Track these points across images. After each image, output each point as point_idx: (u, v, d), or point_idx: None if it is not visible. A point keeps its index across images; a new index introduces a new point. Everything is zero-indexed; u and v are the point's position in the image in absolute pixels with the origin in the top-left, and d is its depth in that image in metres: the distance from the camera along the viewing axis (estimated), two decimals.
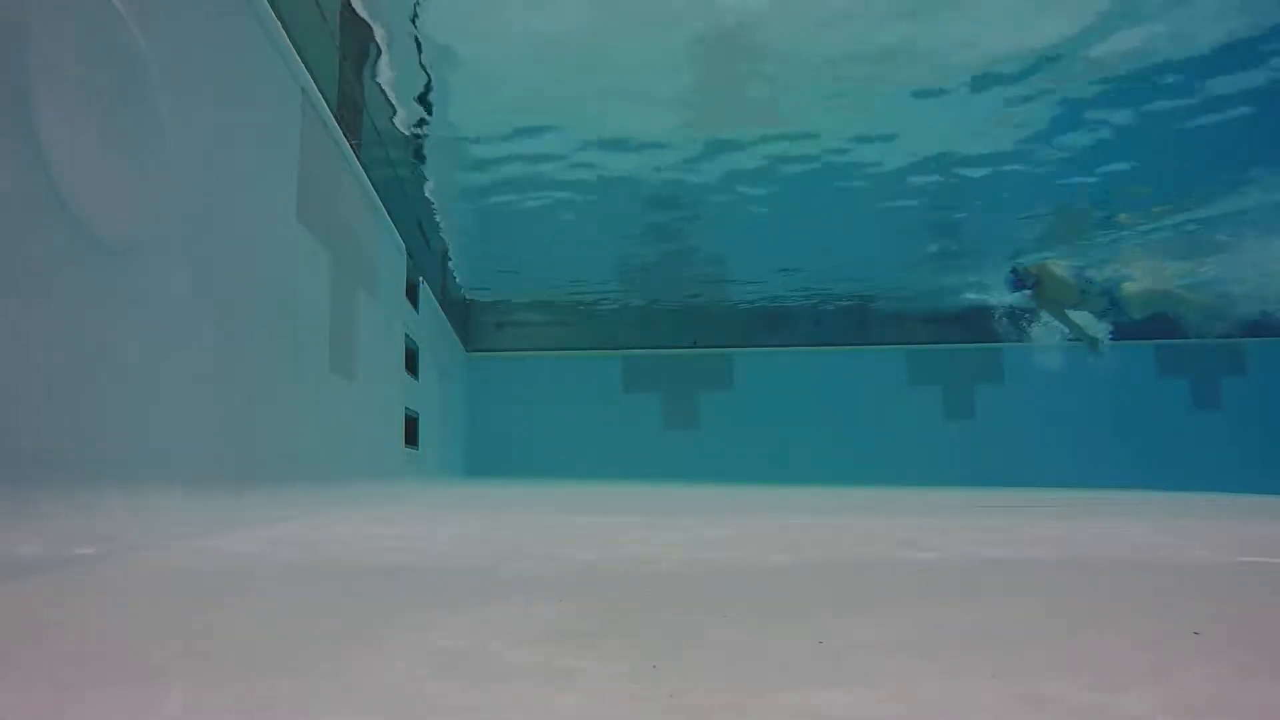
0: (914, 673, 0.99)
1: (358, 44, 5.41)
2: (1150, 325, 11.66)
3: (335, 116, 4.67)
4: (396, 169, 7.02)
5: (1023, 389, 12.02)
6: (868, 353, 12.07)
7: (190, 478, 2.78)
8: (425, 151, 7.30)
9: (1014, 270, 9.74)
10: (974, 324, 11.74)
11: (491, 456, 11.47)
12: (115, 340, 2.40)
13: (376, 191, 5.75)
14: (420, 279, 7.81)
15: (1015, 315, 10.64)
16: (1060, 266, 9.80)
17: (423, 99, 6.38)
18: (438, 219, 8.77)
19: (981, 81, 6.28)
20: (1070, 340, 10.62)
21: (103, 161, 2.33)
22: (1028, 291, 9.74)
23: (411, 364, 7.23)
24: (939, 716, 0.84)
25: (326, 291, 4.46)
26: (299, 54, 3.96)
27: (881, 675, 0.97)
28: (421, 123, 6.73)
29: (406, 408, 6.92)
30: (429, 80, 6.12)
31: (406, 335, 6.96)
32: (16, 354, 1.98)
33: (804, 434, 11.83)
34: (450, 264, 10.23)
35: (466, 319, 11.98)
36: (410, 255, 7.14)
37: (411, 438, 7.15)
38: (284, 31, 3.76)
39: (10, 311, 1.96)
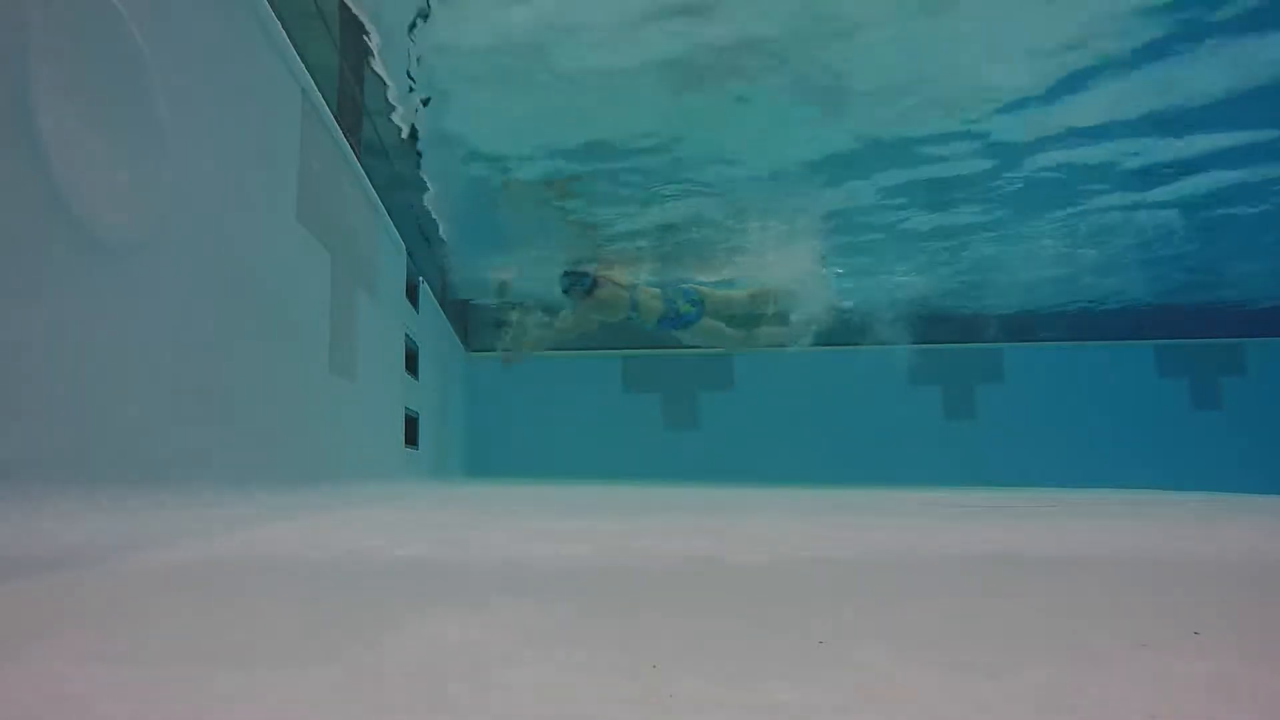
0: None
1: (358, 44, 5.41)
2: (1150, 325, 11.66)
3: (335, 116, 4.67)
4: (396, 169, 7.02)
5: (1023, 389, 12.00)
6: (868, 353, 12.06)
7: (190, 476, 2.78)
8: (426, 150, 7.29)
9: (567, 272, 9.55)
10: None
11: (491, 456, 11.46)
12: (115, 340, 2.40)
13: (376, 191, 5.75)
14: (420, 279, 7.81)
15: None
16: (623, 276, 9.56)
17: (423, 97, 6.37)
18: (437, 219, 8.76)
19: None
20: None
21: (103, 161, 2.33)
22: (583, 292, 9.42)
23: (411, 364, 7.23)
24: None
25: (326, 291, 4.46)
26: (299, 54, 3.97)
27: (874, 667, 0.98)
28: (422, 121, 6.73)
29: (406, 408, 6.93)
30: (430, 78, 6.11)
31: (406, 335, 6.96)
32: (15, 355, 1.98)
33: (804, 434, 11.82)
34: (450, 264, 10.22)
35: (466, 319, 11.96)
36: (410, 255, 7.14)
37: (411, 438, 7.16)
38: (284, 31, 3.76)
39: (9, 312, 1.96)
